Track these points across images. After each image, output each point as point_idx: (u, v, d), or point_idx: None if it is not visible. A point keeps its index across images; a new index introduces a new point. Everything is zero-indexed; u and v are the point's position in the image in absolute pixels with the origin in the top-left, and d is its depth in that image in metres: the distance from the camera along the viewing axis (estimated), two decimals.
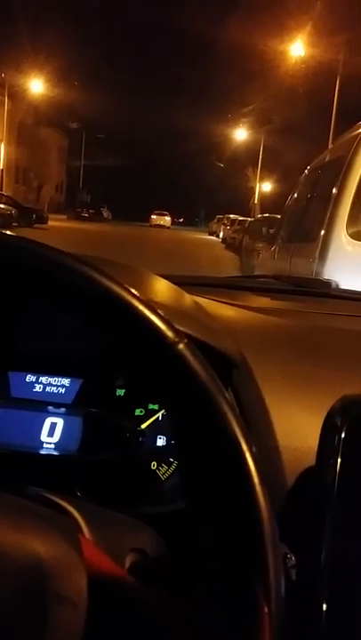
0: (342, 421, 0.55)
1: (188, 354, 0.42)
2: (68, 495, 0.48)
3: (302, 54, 25.65)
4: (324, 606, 0.49)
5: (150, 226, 46.68)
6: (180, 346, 0.42)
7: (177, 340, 0.42)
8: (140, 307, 0.42)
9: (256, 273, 6.87)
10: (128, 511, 0.57)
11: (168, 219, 49.92)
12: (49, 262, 0.43)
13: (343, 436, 0.54)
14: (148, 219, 50.75)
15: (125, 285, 0.43)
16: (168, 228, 46.62)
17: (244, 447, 0.39)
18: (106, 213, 54.29)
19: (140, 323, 0.42)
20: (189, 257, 16.71)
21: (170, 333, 0.42)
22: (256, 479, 0.39)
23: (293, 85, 29.00)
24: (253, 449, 0.40)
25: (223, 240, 28.24)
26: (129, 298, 0.43)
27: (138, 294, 0.43)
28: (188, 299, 0.84)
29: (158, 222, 48.54)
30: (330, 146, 6.38)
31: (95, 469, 0.74)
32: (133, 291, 0.43)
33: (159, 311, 0.43)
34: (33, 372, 0.81)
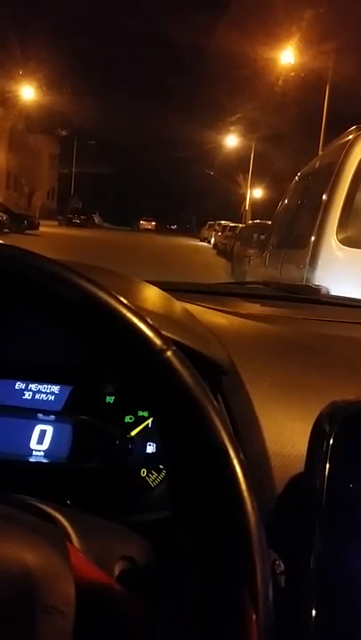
0: (331, 427, 0.55)
1: (175, 361, 0.42)
2: (58, 503, 0.48)
3: (292, 62, 25.81)
4: (314, 612, 0.49)
5: (139, 230, 56.30)
6: (168, 353, 0.42)
7: (164, 347, 0.42)
8: (128, 314, 0.42)
9: (247, 279, 6.89)
10: (118, 519, 0.57)
11: (154, 223, 63.48)
12: (35, 270, 0.43)
13: (332, 441, 0.54)
14: (139, 225, 61.19)
15: (112, 293, 0.43)
16: (153, 230, 57.81)
17: (232, 454, 0.39)
18: (97, 219, 54.40)
19: (128, 330, 0.42)
20: (181, 263, 16.73)
21: (157, 341, 0.42)
22: (244, 486, 0.39)
23: (284, 93, 29.16)
24: (241, 456, 0.40)
25: (214, 246, 28.31)
26: (116, 305, 0.43)
27: (125, 302, 0.43)
28: (178, 306, 0.85)
29: (146, 227, 61.53)
30: (320, 153, 6.42)
31: (85, 477, 0.74)
32: (121, 298, 0.43)
33: (147, 318, 0.43)
34: (22, 380, 0.80)
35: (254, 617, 0.36)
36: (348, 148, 3.64)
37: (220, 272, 14.14)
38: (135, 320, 0.42)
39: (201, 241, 39.26)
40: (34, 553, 0.38)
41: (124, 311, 0.42)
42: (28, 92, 37.80)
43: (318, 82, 22.36)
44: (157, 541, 0.55)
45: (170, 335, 0.57)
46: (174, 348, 0.43)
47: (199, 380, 0.42)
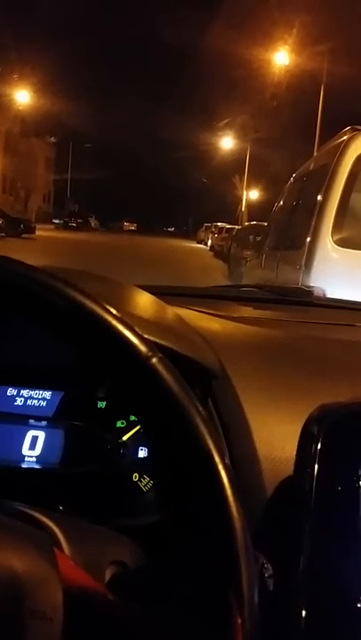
0: (319, 430, 0.55)
1: (161, 368, 0.42)
2: (50, 508, 0.48)
3: (287, 63, 25.85)
4: (303, 614, 0.49)
5: (122, 231, 61.16)
6: (154, 360, 0.42)
7: (150, 354, 0.42)
8: (114, 322, 0.43)
9: (244, 281, 6.89)
10: (109, 523, 0.57)
11: (135, 225, 70.94)
12: (22, 278, 0.43)
13: (320, 444, 0.54)
14: (137, 228, 65.69)
15: (99, 300, 0.44)
16: (135, 231, 63.79)
17: (217, 460, 0.40)
18: (94, 222, 54.38)
19: (113, 338, 0.42)
20: (177, 265, 16.73)
21: (143, 348, 0.42)
22: (229, 491, 0.39)
23: (279, 94, 29.20)
24: (226, 461, 0.40)
25: (211, 248, 28.30)
26: (102, 313, 0.43)
27: (111, 309, 0.44)
28: (168, 311, 0.85)
29: (129, 227, 68.47)
30: (315, 154, 6.43)
31: (77, 482, 0.74)
32: (107, 306, 0.44)
33: (133, 326, 0.44)
34: (14, 386, 0.80)
35: (240, 620, 0.36)
36: (342, 148, 3.65)
37: (217, 274, 14.15)
38: (120, 328, 0.43)
39: (198, 243, 39.32)
40: (22, 559, 0.38)
41: (110, 319, 0.43)
42: (23, 96, 37.79)
43: (314, 83, 22.42)
44: (149, 546, 0.56)
45: (159, 341, 0.57)
46: (160, 354, 0.43)
47: (185, 386, 0.43)
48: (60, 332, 0.44)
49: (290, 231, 4.56)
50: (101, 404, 0.78)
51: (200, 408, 0.42)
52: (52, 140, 53.87)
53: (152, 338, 0.44)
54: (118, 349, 0.42)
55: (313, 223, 3.63)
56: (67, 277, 0.45)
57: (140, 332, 0.43)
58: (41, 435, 0.77)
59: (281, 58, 25.96)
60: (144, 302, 0.85)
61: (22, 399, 0.80)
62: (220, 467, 0.40)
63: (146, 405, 0.42)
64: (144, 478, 0.74)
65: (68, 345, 0.45)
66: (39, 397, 0.79)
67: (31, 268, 0.44)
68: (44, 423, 0.78)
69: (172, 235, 65.94)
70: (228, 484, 0.39)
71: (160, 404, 0.42)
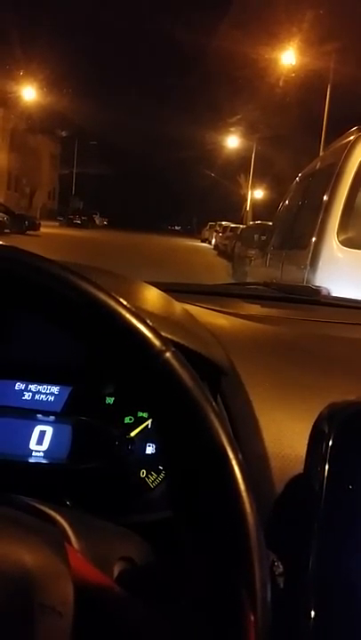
0: (330, 428, 0.55)
1: (174, 363, 0.42)
2: (57, 504, 0.48)
3: (293, 63, 25.81)
4: (313, 613, 0.49)
5: (94, 226, 57.35)
6: (167, 355, 0.42)
7: (164, 348, 0.42)
8: (127, 315, 0.42)
9: (248, 280, 6.88)
10: (117, 519, 0.57)
11: (106, 220, 65.97)
12: (35, 271, 0.43)
13: (331, 442, 0.54)
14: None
15: (112, 294, 0.43)
16: (107, 225, 61.81)
17: (231, 455, 0.39)
18: (98, 220, 54.45)
19: (127, 331, 0.42)
20: (182, 264, 16.73)
21: (157, 342, 0.42)
22: (242, 487, 0.39)
23: (285, 93, 29.17)
24: (240, 457, 0.40)
25: (215, 247, 28.30)
26: (115, 306, 0.43)
27: (125, 303, 0.43)
28: (177, 306, 0.85)
29: (103, 222, 63.79)
30: (321, 153, 6.41)
31: (84, 478, 0.74)
32: (120, 299, 0.43)
33: (146, 319, 0.43)
34: (22, 380, 0.80)
35: (252, 618, 0.36)
36: (348, 148, 3.64)
37: (222, 273, 14.14)
38: (134, 321, 0.42)
39: (202, 242, 39.33)
40: (32, 553, 0.38)
41: (124, 312, 0.42)
42: (29, 93, 37.84)
43: (320, 82, 22.38)
44: (157, 542, 0.56)
45: (169, 336, 0.57)
46: (173, 349, 0.43)
47: (198, 381, 0.42)
48: (73, 326, 0.44)
49: (295, 231, 4.56)
50: (109, 400, 0.77)
51: (213, 403, 0.42)
52: (63, 133, 53.84)
53: (162, 333, 0.44)
54: (132, 343, 0.42)
55: (319, 223, 3.63)
56: (79, 271, 0.44)
57: (154, 326, 0.43)
58: (49, 430, 0.77)
59: (288, 57, 25.91)
60: (153, 297, 0.85)
61: (30, 394, 0.79)
62: (234, 463, 0.39)
63: (158, 400, 0.42)
64: (151, 475, 0.74)
65: (77, 339, 0.45)
66: (47, 392, 0.79)
67: (44, 260, 0.44)
68: (51, 418, 0.77)
69: (177, 233, 65.75)
70: (242, 480, 0.39)
71: (173, 398, 0.41)
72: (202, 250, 30.05)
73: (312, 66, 24.03)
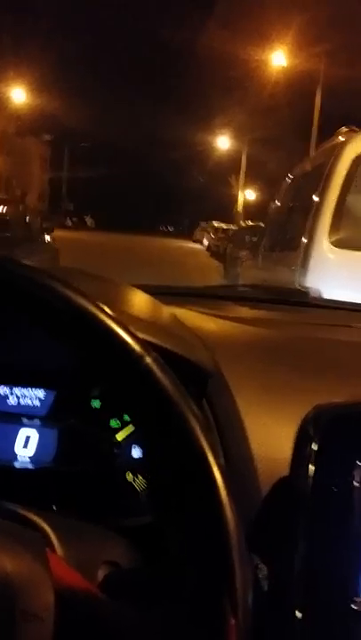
0: (315, 431, 0.55)
1: (154, 368, 0.42)
2: (43, 508, 0.48)
3: (284, 64, 25.88)
4: (299, 615, 0.49)
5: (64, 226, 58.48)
6: (147, 360, 0.42)
7: (144, 353, 0.42)
8: (107, 321, 0.42)
9: (240, 281, 6.90)
10: (103, 523, 0.57)
11: (73, 220, 62.33)
12: (14, 275, 0.43)
13: (316, 445, 0.54)
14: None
15: (92, 299, 0.43)
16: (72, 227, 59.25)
17: (211, 460, 0.39)
18: (89, 222, 54.38)
19: (107, 337, 0.42)
20: (174, 265, 16.72)
21: (136, 347, 0.42)
22: (222, 492, 0.39)
23: (276, 94, 29.24)
24: (220, 462, 0.40)
25: (208, 248, 28.29)
26: (96, 312, 0.43)
27: (105, 308, 0.43)
28: (163, 310, 0.84)
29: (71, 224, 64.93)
30: (311, 154, 6.43)
31: (71, 481, 0.73)
32: (100, 304, 0.43)
33: (128, 325, 0.43)
34: (6, 384, 0.80)
35: (233, 622, 0.36)
36: (339, 149, 3.65)
37: (214, 274, 14.15)
38: (114, 327, 0.42)
39: (193, 242, 39.32)
40: (13, 560, 0.38)
41: (104, 318, 0.42)
42: (18, 94, 37.71)
43: (310, 83, 22.47)
44: (144, 546, 0.55)
45: (153, 340, 0.57)
46: (154, 354, 0.43)
47: (179, 386, 0.42)
48: (56, 331, 0.44)
49: (286, 232, 4.57)
50: (95, 404, 0.77)
51: (194, 408, 0.42)
52: (48, 137, 53.74)
53: (146, 337, 0.44)
54: (112, 348, 0.42)
55: (309, 224, 3.64)
56: (62, 276, 0.44)
57: (134, 332, 0.43)
58: (34, 434, 0.76)
59: (278, 58, 25.99)
60: (139, 301, 0.85)
61: (15, 398, 0.79)
62: (214, 466, 0.39)
63: (139, 405, 0.42)
64: (138, 478, 0.74)
65: (62, 344, 0.45)
66: (32, 396, 0.79)
67: (27, 267, 0.44)
68: (37, 422, 0.77)
69: (169, 235, 65.65)
70: (222, 483, 0.39)
71: (153, 403, 0.41)
72: (194, 251, 29.98)
73: (302, 67, 24.13)
